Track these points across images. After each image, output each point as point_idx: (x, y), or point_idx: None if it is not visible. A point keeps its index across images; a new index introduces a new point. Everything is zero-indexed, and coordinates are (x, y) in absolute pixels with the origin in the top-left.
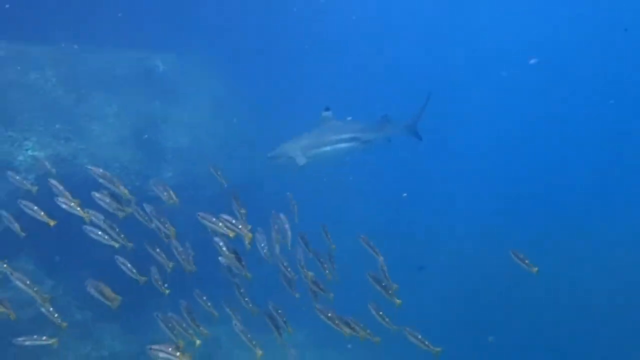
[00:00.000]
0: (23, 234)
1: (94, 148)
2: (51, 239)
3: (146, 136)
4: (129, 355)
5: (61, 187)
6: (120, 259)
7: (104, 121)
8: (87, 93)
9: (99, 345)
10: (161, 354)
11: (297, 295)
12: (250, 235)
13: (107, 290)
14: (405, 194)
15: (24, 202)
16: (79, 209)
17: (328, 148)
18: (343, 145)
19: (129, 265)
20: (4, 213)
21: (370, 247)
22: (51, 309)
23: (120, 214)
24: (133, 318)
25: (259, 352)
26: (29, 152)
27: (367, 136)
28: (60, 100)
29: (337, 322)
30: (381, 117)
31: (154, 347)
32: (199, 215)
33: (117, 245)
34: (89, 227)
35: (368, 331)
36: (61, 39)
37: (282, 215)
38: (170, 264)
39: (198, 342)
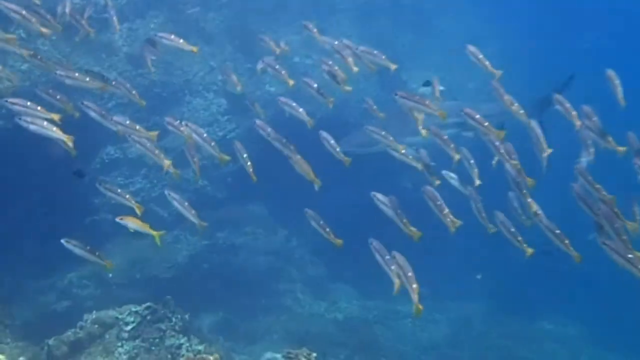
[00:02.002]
0: (255, 179)
1: None
2: (290, 186)
3: None
4: (365, 323)
5: None
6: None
7: None
8: None
9: (334, 307)
10: None
11: None
12: None
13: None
14: None
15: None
16: None
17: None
18: (449, 131)
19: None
20: (242, 150)
21: None
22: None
23: None
24: (371, 283)
25: None
26: (267, 87)
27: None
28: None
29: None
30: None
31: None
32: None
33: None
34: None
35: None
36: None
37: None
38: None
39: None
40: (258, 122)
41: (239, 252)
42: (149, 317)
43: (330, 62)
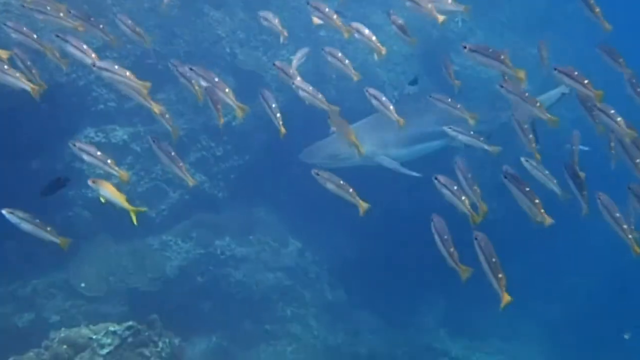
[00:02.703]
0: (284, 131)
1: None
2: (307, 188)
3: None
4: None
5: None
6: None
7: None
8: None
9: (355, 339)
10: None
11: None
12: None
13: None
14: None
15: None
16: None
17: (418, 147)
18: (432, 144)
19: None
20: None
21: None
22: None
23: None
24: (400, 312)
25: None
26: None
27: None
28: None
29: None
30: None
31: None
32: None
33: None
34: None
35: None
36: None
37: None
38: None
39: None
40: (298, 80)
41: (240, 266)
42: (130, 340)
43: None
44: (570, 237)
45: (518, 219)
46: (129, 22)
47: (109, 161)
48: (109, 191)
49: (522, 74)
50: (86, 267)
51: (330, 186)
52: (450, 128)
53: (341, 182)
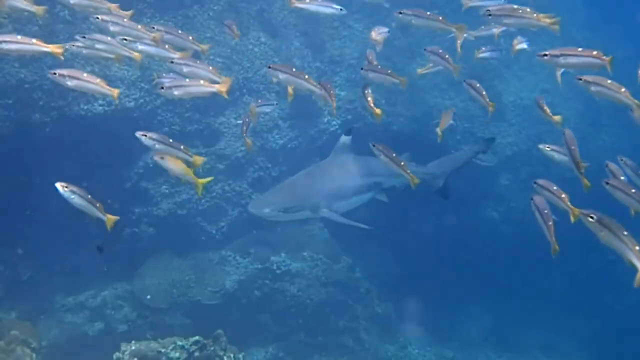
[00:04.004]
0: (379, 113)
1: None
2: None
3: None
4: None
5: None
6: None
7: None
8: None
9: (403, 352)
10: None
11: None
12: None
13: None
14: None
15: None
16: None
17: (353, 199)
18: (366, 195)
19: None
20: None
21: None
22: None
23: None
24: (448, 328)
25: None
26: (337, 90)
27: (390, 181)
28: None
29: None
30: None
31: None
32: None
33: None
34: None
35: None
36: None
37: None
38: None
39: None
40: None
41: (294, 280)
42: (196, 354)
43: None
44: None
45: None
46: None
47: (182, 147)
48: (176, 166)
49: None
50: (150, 280)
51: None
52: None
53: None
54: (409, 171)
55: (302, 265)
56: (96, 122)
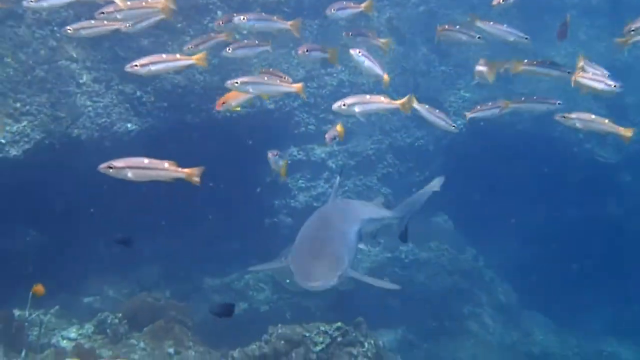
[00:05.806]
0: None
1: None
2: (480, 198)
3: None
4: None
5: None
6: None
7: None
8: None
9: (527, 338)
10: None
11: None
12: None
13: None
14: None
15: None
16: None
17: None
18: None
19: None
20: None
21: None
22: None
23: None
24: (569, 314)
25: None
26: (461, 92)
27: (371, 226)
28: None
29: None
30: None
31: None
32: None
33: None
34: None
35: None
36: None
37: None
38: None
39: None
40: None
41: (422, 269)
42: (339, 339)
43: None
44: None
45: None
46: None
47: None
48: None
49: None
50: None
51: None
52: None
53: None
54: None
55: (429, 255)
56: (239, 121)
